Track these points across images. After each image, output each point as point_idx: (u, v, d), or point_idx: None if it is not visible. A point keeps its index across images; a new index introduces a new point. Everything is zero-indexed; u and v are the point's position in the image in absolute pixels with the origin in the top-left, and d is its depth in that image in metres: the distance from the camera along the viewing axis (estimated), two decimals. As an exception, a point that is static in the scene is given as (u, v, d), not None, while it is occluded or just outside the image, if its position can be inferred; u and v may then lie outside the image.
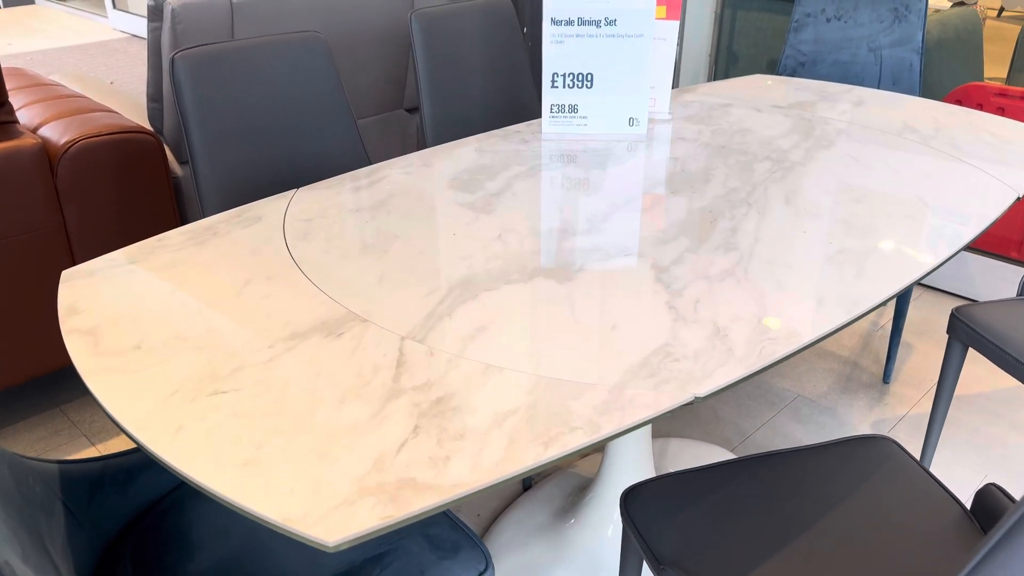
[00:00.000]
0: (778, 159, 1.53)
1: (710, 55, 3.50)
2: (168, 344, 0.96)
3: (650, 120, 1.73)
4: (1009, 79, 2.80)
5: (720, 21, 3.48)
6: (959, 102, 2.60)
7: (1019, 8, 2.79)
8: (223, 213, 1.32)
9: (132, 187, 2.00)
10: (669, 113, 1.78)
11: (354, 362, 0.92)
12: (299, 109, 1.69)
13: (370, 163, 1.82)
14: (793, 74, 2.47)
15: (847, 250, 1.18)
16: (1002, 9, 2.89)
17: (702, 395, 0.86)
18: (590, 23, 1.59)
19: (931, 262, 1.14)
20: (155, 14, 2.11)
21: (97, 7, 6.68)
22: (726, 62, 3.51)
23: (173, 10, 2.03)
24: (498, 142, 1.65)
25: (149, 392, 0.87)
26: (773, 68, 3.37)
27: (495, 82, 2.07)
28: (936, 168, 1.49)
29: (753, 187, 1.41)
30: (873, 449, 1.21)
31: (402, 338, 0.97)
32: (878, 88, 2.40)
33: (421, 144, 1.96)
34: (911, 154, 1.56)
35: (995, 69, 2.87)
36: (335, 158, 1.77)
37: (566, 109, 1.67)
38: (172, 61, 1.51)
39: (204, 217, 1.48)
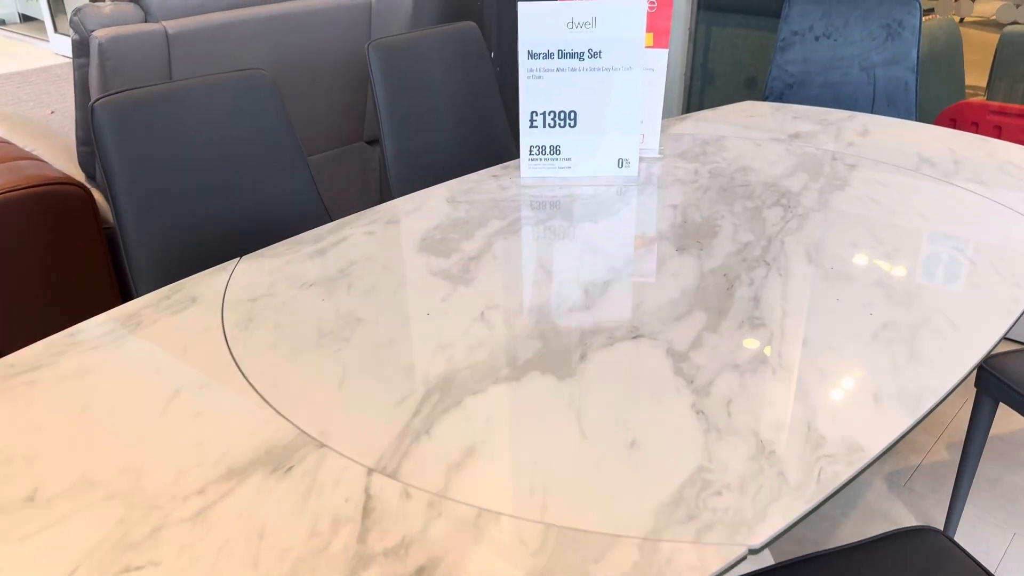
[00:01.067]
0: (789, 204, 1.36)
1: (684, 74, 3.35)
2: (71, 493, 0.75)
3: (640, 159, 1.55)
4: (989, 89, 2.68)
5: (694, 38, 3.33)
6: (953, 121, 2.47)
7: (979, 14, 2.67)
8: (151, 295, 1.10)
9: (60, 245, 1.77)
10: (660, 151, 1.61)
11: (308, 513, 0.72)
12: (243, 160, 1.48)
13: (328, 214, 1.62)
14: (781, 96, 2.32)
15: (893, 323, 1.01)
16: (963, 19, 2.78)
17: (757, 547, 0.68)
18: (572, 56, 1.41)
19: (990, 339, 0.97)
20: (80, 49, 1.89)
21: (38, 31, 6.38)
22: (701, 81, 3.36)
23: (100, 45, 1.81)
24: (473, 189, 1.46)
25: (42, 571, 0.66)
26: (752, 87, 3.23)
27: (463, 113, 1.88)
28: (966, 210, 1.33)
29: (768, 241, 1.23)
30: (922, 545, 1.04)
31: (369, 471, 0.77)
32: (872, 110, 2.26)
33: (383, 180, 1.76)
34: (935, 194, 1.40)
35: (969, 77, 2.77)
36: (286, 213, 1.56)
37: (547, 150, 1.48)
38: (91, 110, 1.29)
39: (136, 294, 1.27)
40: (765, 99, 2.34)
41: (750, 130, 1.75)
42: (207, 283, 1.14)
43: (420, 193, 1.45)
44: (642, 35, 1.39)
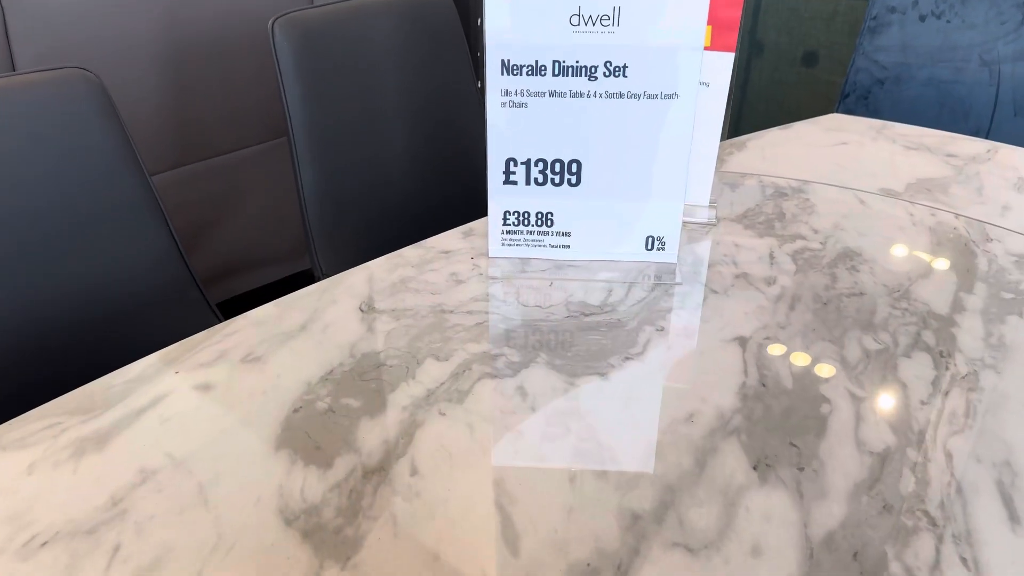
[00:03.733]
0: (940, 346, 0.79)
1: (726, 44, 2.71)
2: None
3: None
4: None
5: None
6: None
7: None
8: None
9: None
10: (711, 211, 1.02)
11: None
12: (45, 212, 0.92)
13: (196, 285, 1.05)
14: (867, 95, 1.71)
15: None
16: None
17: None
18: (577, 71, 0.82)
19: None
20: None
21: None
22: (747, 52, 2.72)
23: None
24: (407, 282, 0.89)
25: None
26: (811, 64, 2.60)
27: (423, 125, 1.29)
28: None
29: (923, 452, 0.66)
30: None
31: None
32: (992, 120, 1.65)
33: (303, 221, 1.19)
34: None
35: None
36: (125, 287, 1.00)
37: (532, 219, 0.91)
38: None
39: None
40: (844, 98, 1.74)
41: (846, 172, 1.16)
42: None
43: (313, 291, 0.88)
44: (701, 38, 0.80)
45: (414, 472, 0.64)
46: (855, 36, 2.40)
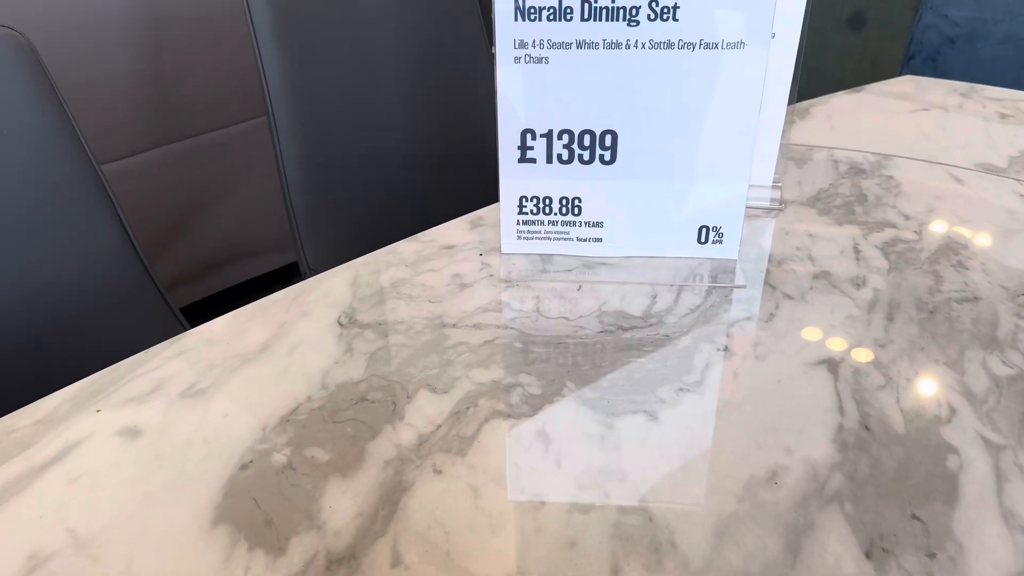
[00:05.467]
0: (1094, 371, 0.60)
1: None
2: None
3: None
4: None
5: (782, -42, 2.45)
6: None
7: None
8: None
9: None
10: (776, 192, 0.83)
11: None
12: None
13: (147, 272, 0.89)
14: (936, 56, 1.50)
15: None
16: None
17: None
18: (614, 15, 0.63)
19: None
20: None
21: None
22: (787, 16, 2.49)
23: None
24: (401, 284, 0.71)
25: None
26: (859, 26, 2.37)
27: (425, 97, 1.11)
28: None
29: (1101, 531, 0.48)
30: None
31: None
32: (1082, 83, 1.44)
33: (288, 209, 1.01)
34: None
35: None
36: (47, 290, 0.84)
37: (554, 206, 0.73)
38: None
39: None
40: (910, 60, 1.53)
41: (933, 144, 0.96)
42: None
43: (284, 296, 0.71)
44: (773, -31, 0.61)
45: (396, 562, 0.46)
46: (910, -6, 2.18)
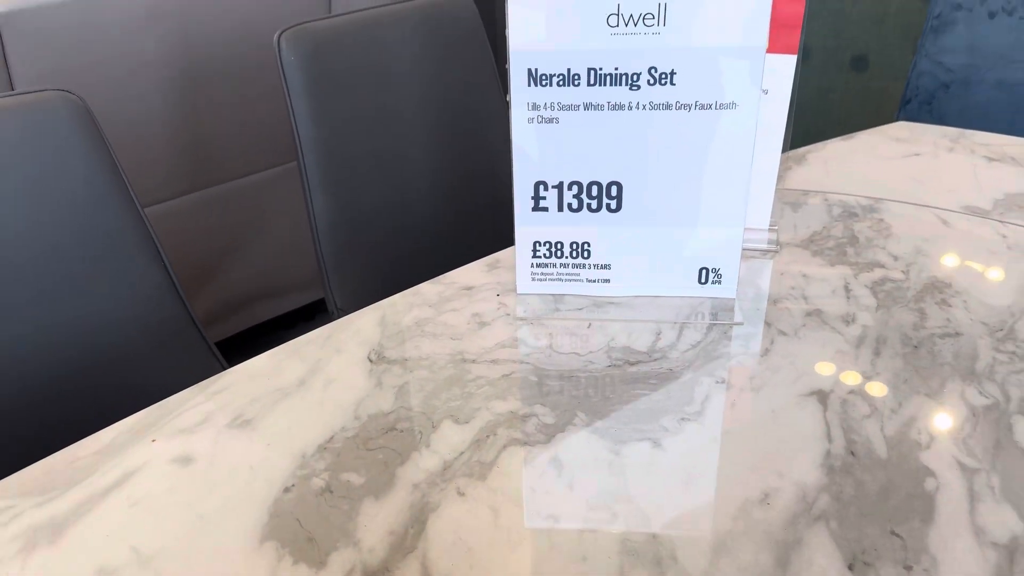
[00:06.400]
0: (1064, 401, 0.65)
1: (768, 50, 2.56)
2: None
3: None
4: None
5: (784, 4, 2.54)
6: None
7: None
8: None
9: None
10: (772, 234, 0.89)
11: None
12: (18, 245, 0.83)
13: (187, 313, 0.95)
14: (931, 100, 1.57)
15: None
16: None
17: None
18: (617, 80, 0.70)
19: None
20: None
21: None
22: (791, 59, 2.57)
23: None
24: (424, 324, 0.77)
25: None
26: (861, 68, 2.45)
27: (443, 144, 1.18)
28: None
29: (1063, 545, 0.53)
30: None
31: None
32: (1073, 125, 1.50)
33: (317, 250, 1.08)
34: None
35: None
36: (114, 329, 0.90)
37: (565, 251, 0.79)
38: None
39: None
40: (906, 104, 1.60)
41: (923, 188, 1.02)
42: None
43: (318, 335, 0.77)
44: (764, 36, 0.68)
45: (425, 574, 0.52)
46: (908, 39, 2.25)
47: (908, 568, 0.52)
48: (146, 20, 1.39)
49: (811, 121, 2.60)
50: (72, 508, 0.58)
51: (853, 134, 1.19)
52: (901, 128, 1.22)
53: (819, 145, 1.15)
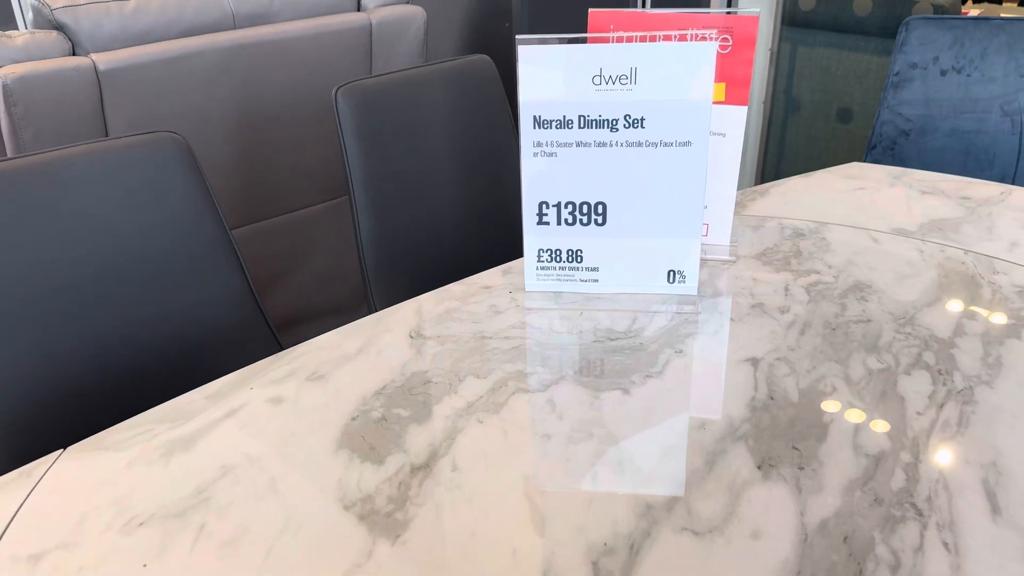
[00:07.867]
0: (939, 365, 0.86)
1: (764, 101, 2.82)
2: None
3: (702, 261, 1.05)
4: None
5: (776, 60, 2.80)
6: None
7: None
8: None
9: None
10: (732, 249, 1.11)
11: None
12: (137, 257, 1.05)
13: (267, 324, 1.17)
14: (893, 146, 1.79)
15: None
16: None
17: None
18: (600, 124, 0.93)
19: None
20: (-13, 90, 1.50)
21: None
22: (784, 110, 2.82)
23: (5, 86, 1.41)
24: (452, 312, 0.99)
25: None
26: (846, 120, 2.69)
27: (469, 180, 1.42)
28: None
29: (914, 453, 0.73)
30: None
31: None
32: (1016, 168, 1.71)
33: (361, 266, 1.31)
34: None
35: None
36: (202, 326, 1.13)
37: (563, 256, 1.01)
38: None
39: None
40: (871, 149, 1.82)
41: (862, 214, 1.24)
42: (-22, 513, 0.70)
43: (369, 320, 0.99)
44: (709, 93, 0.90)
45: (455, 468, 0.73)
46: (887, 92, 2.48)
47: (801, 468, 0.72)
48: (218, 75, 1.65)
49: (801, 165, 2.83)
50: (197, 430, 0.80)
51: (812, 172, 1.41)
52: (853, 167, 1.44)
53: (782, 181, 1.37)
